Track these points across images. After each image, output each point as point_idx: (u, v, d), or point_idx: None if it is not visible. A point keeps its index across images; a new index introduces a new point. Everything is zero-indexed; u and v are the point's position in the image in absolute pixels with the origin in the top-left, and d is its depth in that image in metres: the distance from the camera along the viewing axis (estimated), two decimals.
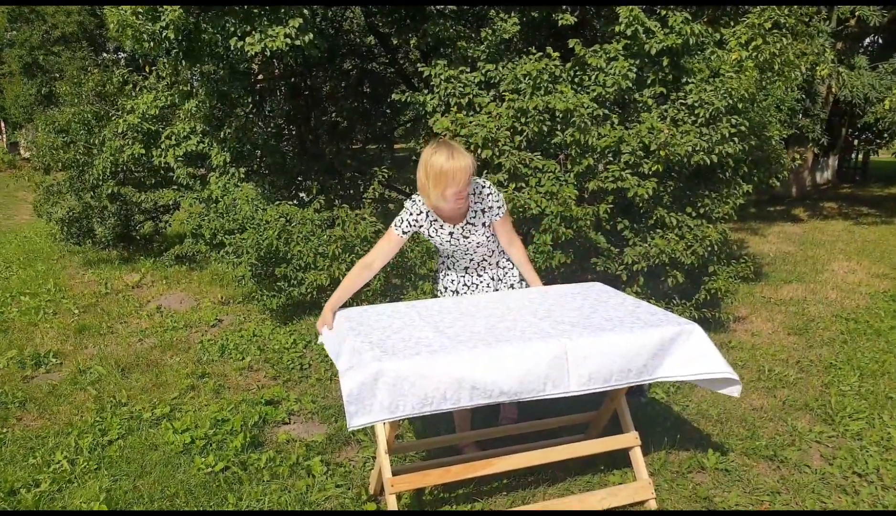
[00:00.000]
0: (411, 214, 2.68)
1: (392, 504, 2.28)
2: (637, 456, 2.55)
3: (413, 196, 2.73)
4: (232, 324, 4.90)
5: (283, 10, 3.95)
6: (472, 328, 2.37)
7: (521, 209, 3.84)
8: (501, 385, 2.10)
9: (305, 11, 3.94)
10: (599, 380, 2.22)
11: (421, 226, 2.71)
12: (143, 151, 6.18)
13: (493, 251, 2.86)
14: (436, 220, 2.70)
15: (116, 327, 4.88)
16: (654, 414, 3.31)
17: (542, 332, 2.30)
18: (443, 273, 2.96)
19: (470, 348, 2.16)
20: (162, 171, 6.51)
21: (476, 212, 2.70)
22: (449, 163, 2.48)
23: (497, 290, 2.87)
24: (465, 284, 2.90)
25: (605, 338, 2.27)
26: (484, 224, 2.73)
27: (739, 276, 4.44)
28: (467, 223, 2.71)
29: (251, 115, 6.05)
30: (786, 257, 7.03)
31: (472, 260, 2.85)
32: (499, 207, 2.72)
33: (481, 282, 2.89)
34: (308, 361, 4.09)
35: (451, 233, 2.72)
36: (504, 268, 2.91)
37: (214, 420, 3.28)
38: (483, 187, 2.70)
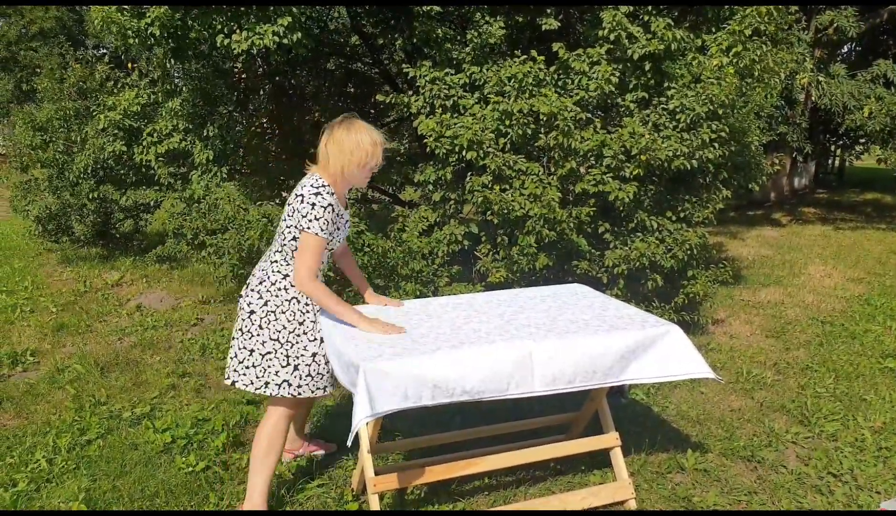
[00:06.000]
0: None
1: (374, 503, 2.28)
2: (617, 456, 2.59)
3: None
4: (213, 323, 4.86)
5: (271, 9, 3.94)
6: (437, 329, 2.39)
7: (505, 210, 3.87)
8: (464, 384, 2.12)
9: (294, 10, 3.93)
10: (563, 381, 2.23)
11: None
12: (124, 148, 6.11)
13: None
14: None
15: (95, 326, 4.82)
16: (635, 414, 3.35)
17: (507, 334, 2.33)
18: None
19: (433, 349, 2.18)
20: (143, 169, 6.43)
21: None
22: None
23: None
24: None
25: (569, 340, 2.28)
26: None
27: (718, 280, 4.51)
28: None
29: (234, 114, 6.01)
30: (764, 261, 7.14)
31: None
32: None
33: None
34: None
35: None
36: None
37: (195, 419, 3.25)
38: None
